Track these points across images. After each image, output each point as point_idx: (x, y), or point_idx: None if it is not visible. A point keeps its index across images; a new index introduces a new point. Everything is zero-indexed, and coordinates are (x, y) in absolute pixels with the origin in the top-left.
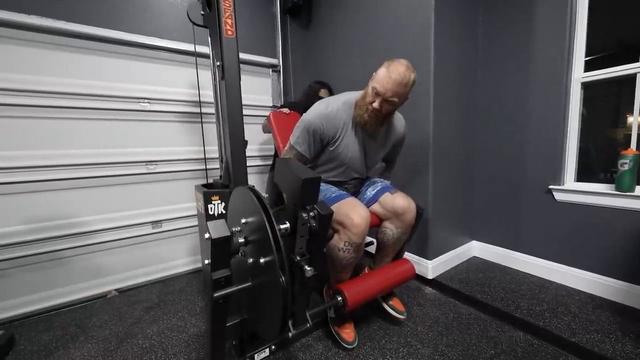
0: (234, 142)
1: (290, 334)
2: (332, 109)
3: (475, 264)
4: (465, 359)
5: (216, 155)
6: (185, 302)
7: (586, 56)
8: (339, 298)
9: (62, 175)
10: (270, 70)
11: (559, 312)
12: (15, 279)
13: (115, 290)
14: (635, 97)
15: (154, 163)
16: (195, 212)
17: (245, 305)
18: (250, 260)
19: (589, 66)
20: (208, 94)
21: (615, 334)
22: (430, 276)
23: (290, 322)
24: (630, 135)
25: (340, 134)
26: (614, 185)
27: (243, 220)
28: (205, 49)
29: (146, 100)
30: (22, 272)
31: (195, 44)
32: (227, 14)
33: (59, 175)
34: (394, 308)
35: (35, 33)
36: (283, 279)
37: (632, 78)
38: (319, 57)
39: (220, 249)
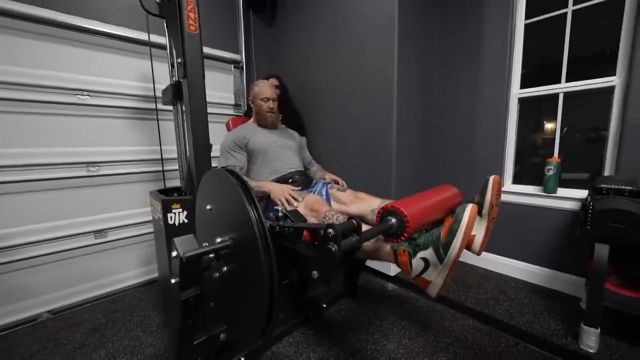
0: (199, 147)
1: (333, 249)
2: (236, 128)
3: None
4: (426, 350)
5: (167, 155)
6: (138, 319)
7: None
8: (392, 220)
9: None
10: (232, 66)
11: (500, 299)
12: None
13: (48, 312)
14: (558, 113)
15: (96, 165)
16: (147, 219)
17: (219, 315)
18: (225, 269)
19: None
20: (159, 88)
21: (542, 314)
22: (392, 273)
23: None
24: (553, 144)
25: (249, 135)
26: (541, 187)
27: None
28: (160, 39)
29: (85, 93)
30: None
31: (149, 33)
32: (190, 7)
33: None
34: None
35: None
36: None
37: (555, 97)
38: (283, 54)
39: (190, 267)
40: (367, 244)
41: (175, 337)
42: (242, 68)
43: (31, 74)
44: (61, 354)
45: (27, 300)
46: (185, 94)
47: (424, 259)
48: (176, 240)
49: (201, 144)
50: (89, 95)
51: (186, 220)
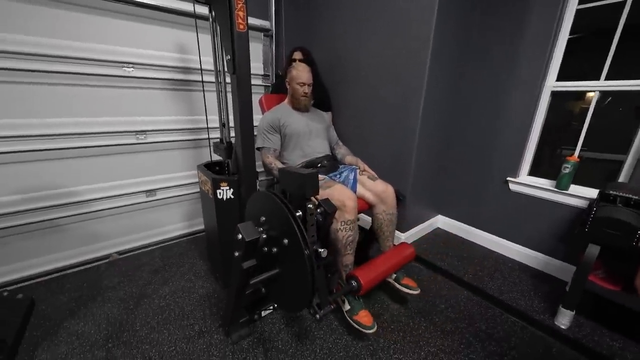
0: (245, 138)
1: (317, 316)
2: (272, 110)
3: (438, 235)
4: (425, 312)
5: (204, 125)
6: (189, 265)
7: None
8: (354, 283)
9: (47, 145)
10: (262, 34)
11: (495, 276)
12: (13, 247)
13: (117, 253)
14: (589, 112)
15: (144, 133)
16: (187, 182)
17: (267, 283)
18: (275, 250)
19: None
20: (193, 59)
21: (529, 293)
22: None
23: (316, 305)
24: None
25: (284, 119)
26: (554, 182)
27: (263, 218)
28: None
29: (130, 65)
30: (18, 240)
31: (194, 4)
32: (239, 6)
33: (42, 146)
34: (408, 286)
35: None
36: (307, 251)
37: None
38: (314, 24)
39: (251, 246)
40: (342, 253)
41: (235, 289)
42: (272, 37)
43: (86, 48)
44: (136, 286)
45: (100, 243)
46: (233, 87)
47: (343, 302)
48: (240, 226)
49: (247, 132)
50: (133, 68)
51: (232, 197)
